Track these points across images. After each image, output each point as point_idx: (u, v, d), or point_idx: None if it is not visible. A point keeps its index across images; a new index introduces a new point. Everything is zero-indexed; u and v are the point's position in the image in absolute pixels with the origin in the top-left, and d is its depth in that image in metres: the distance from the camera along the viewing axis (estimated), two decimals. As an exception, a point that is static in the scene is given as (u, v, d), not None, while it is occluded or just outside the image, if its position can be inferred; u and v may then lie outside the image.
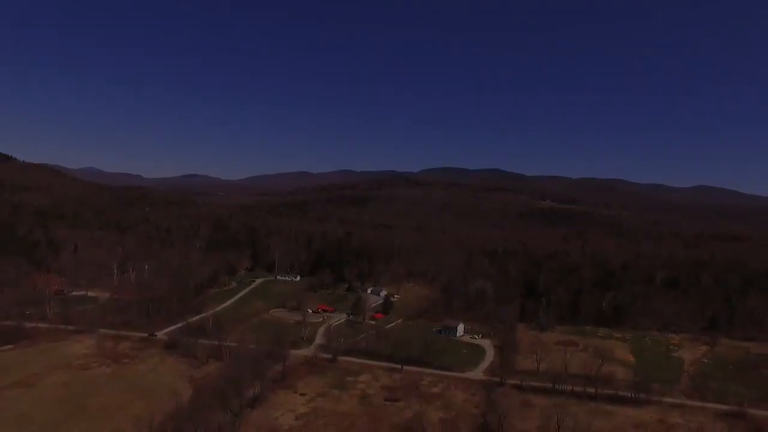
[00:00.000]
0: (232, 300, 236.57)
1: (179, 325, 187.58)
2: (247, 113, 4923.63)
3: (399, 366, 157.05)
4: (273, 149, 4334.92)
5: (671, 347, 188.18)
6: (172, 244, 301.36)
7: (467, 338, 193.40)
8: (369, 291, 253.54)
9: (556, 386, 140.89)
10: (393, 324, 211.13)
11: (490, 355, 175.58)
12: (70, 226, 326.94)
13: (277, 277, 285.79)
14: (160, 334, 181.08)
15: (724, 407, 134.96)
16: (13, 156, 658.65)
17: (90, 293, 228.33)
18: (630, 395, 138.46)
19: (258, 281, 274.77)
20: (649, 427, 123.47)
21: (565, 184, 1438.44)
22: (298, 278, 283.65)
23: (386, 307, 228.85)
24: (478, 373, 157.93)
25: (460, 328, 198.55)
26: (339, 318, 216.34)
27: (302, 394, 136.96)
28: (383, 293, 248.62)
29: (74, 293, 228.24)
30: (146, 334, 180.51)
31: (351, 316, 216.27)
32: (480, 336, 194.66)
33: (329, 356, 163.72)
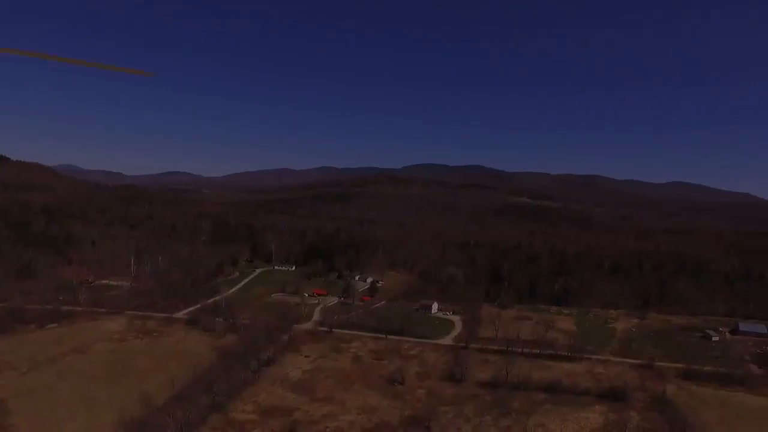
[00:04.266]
0: (237, 287, 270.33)
1: (195, 307, 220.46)
2: (228, 109, 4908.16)
3: (384, 335, 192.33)
4: (255, 146, 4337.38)
5: (608, 320, 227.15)
6: (179, 238, 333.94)
7: (440, 314, 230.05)
8: (357, 278, 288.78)
9: (509, 348, 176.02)
10: (378, 304, 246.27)
11: (458, 327, 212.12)
12: (80, 223, 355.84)
13: (275, 267, 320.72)
14: (180, 315, 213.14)
15: (639, 362, 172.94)
16: (7, 156, 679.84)
17: (112, 282, 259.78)
18: (567, 354, 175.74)
19: (258, 271, 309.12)
20: (578, 376, 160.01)
21: (544, 181, 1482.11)
22: (294, 268, 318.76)
23: (372, 290, 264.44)
24: (448, 340, 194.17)
25: (435, 306, 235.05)
26: (332, 300, 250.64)
27: (306, 356, 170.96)
28: (369, 279, 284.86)
29: (98, 282, 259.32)
30: (168, 315, 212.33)
31: (342, 299, 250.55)
32: (451, 313, 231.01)
33: (326, 329, 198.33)
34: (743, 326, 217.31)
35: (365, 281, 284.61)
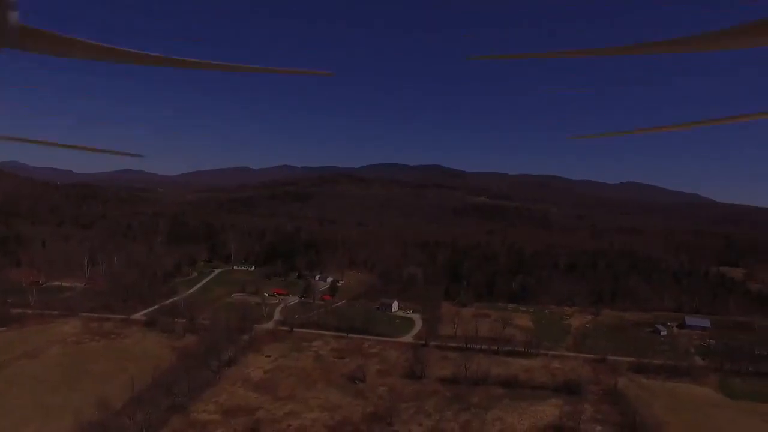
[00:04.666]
0: (196, 287, 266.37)
1: (153, 308, 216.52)
2: (184, 105, 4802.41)
3: (345, 334, 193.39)
4: (211, 144, 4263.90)
5: (564, 317, 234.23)
6: (134, 238, 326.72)
7: (401, 313, 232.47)
8: (317, 277, 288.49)
9: (468, 345, 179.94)
10: (339, 304, 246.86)
11: (418, 325, 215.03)
12: (29, 223, 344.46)
13: (234, 267, 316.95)
14: (137, 316, 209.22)
15: (593, 356, 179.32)
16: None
17: (64, 284, 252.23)
18: (524, 350, 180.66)
19: (216, 271, 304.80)
20: (535, 371, 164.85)
21: (503, 181, 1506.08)
22: (253, 268, 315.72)
23: (333, 290, 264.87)
24: (408, 338, 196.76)
25: (395, 305, 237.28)
26: (293, 300, 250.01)
27: (267, 356, 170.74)
28: (330, 279, 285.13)
29: (50, 284, 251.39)
30: (125, 316, 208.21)
31: (303, 298, 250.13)
32: (411, 311, 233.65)
33: (287, 328, 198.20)
34: (689, 321, 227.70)
35: (325, 281, 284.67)
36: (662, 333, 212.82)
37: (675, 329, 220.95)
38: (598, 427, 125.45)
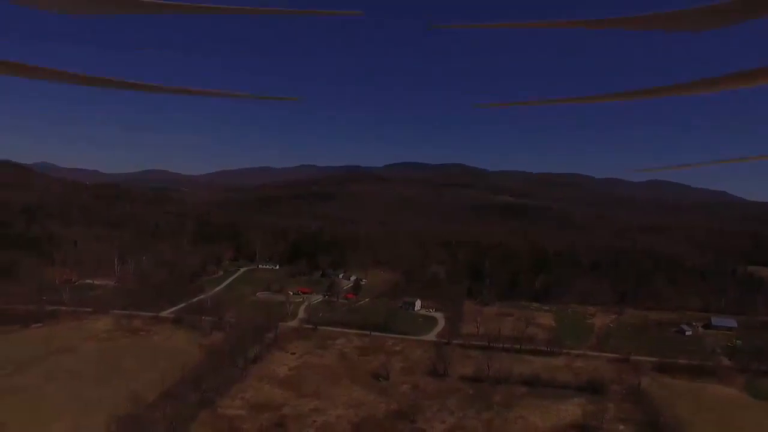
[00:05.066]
0: (222, 286, 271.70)
1: (181, 306, 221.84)
2: (206, 106, 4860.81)
3: (368, 332, 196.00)
4: (234, 144, 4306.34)
5: (587, 316, 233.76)
6: (162, 237, 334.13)
7: (423, 312, 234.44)
8: (341, 276, 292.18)
9: (491, 344, 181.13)
10: (362, 302, 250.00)
11: (441, 323, 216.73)
12: (61, 223, 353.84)
13: (259, 266, 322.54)
14: (166, 314, 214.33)
15: (616, 355, 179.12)
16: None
17: (96, 282, 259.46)
18: (546, 349, 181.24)
19: (242, 270, 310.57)
20: (557, 370, 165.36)
21: (525, 179, 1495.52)
22: (278, 267, 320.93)
23: (356, 288, 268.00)
24: (431, 337, 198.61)
25: (418, 303, 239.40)
26: (317, 298, 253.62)
27: (293, 353, 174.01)
28: (353, 278, 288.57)
29: (82, 282, 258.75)
30: (154, 314, 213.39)
31: (327, 297, 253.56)
32: (433, 310, 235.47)
33: (311, 326, 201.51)
34: (716, 320, 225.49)
35: (349, 279, 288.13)
36: (687, 333, 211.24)
37: (700, 329, 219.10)
38: (621, 427, 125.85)
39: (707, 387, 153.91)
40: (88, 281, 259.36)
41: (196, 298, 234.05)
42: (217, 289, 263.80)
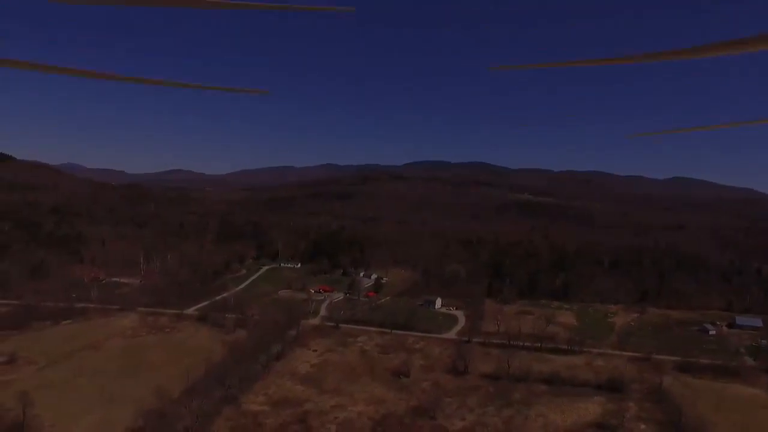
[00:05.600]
0: (245, 284, 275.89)
1: (205, 303, 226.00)
2: (228, 107, 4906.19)
3: (389, 330, 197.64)
4: (255, 144, 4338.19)
5: (608, 314, 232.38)
6: (185, 236, 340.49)
7: (443, 310, 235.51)
8: (361, 275, 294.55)
9: (511, 342, 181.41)
10: (383, 300, 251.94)
11: (461, 322, 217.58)
12: (87, 223, 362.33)
13: (281, 264, 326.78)
14: (190, 311, 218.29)
15: (637, 354, 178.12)
16: (11, 155, 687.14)
17: (122, 280, 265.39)
18: (567, 348, 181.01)
19: (264, 268, 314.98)
20: (578, 368, 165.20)
21: (546, 178, 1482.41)
22: (299, 265, 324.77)
23: (377, 287, 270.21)
24: (451, 335, 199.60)
25: (438, 302, 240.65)
26: (338, 296, 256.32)
27: (314, 351, 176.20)
28: (374, 276, 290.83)
29: (108, 280, 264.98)
30: (179, 311, 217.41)
31: (348, 295, 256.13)
32: (454, 308, 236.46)
33: (333, 324, 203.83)
34: (740, 320, 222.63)
35: (370, 278, 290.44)
36: (710, 332, 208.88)
37: (724, 328, 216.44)
38: (642, 426, 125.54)
39: (730, 387, 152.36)
40: (115, 279, 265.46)
41: (220, 296, 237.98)
42: (240, 287, 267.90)
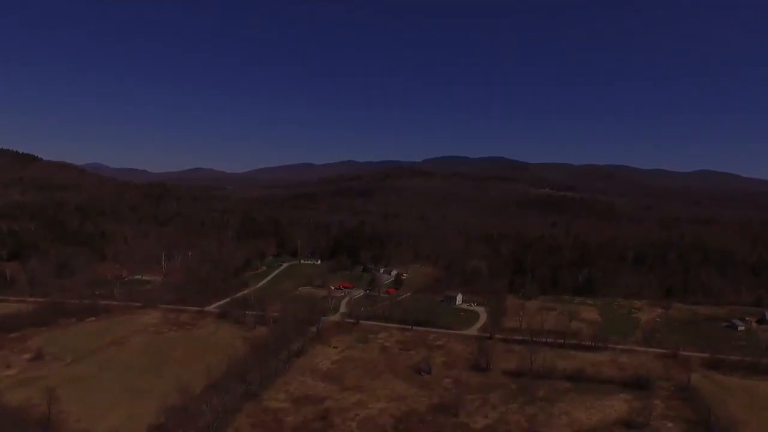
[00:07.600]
0: (265, 280, 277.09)
1: (226, 300, 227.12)
2: (249, 106, 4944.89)
3: (409, 327, 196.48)
4: (276, 141, 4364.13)
5: (633, 310, 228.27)
6: (207, 234, 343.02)
7: (465, 306, 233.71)
8: (381, 271, 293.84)
9: (534, 338, 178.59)
10: (403, 296, 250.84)
11: (483, 318, 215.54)
12: (112, 221, 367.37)
13: (301, 261, 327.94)
14: (211, 308, 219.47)
15: (663, 351, 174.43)
16: (38, 156, 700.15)
17: (144, 277, 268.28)
18: (591, 344, 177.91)
19: (284, 265, 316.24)
20: (602, 365, 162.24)
21: (567, 171, 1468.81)
22: (320, 262, 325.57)
23: (397, 283, 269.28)
24: (473, 331, 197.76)
25: (459, 297, 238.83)
26: (358, 293, 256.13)
27: (335, 347, 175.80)
28: (394, 272, 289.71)
29: (131, 277, 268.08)
30: (200, 308, 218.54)
31: (368, 291, 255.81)
32: (475, 304, 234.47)
33: (353, 320, 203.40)
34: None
35: (390, 274, 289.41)
36: (740, 328, 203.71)
37: (754, 324, 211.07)
38: (670, 424, 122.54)
39: (762, 385, 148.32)
40: (138, 277, 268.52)
41: (241, 293, 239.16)
42: (261, 283, 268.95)
